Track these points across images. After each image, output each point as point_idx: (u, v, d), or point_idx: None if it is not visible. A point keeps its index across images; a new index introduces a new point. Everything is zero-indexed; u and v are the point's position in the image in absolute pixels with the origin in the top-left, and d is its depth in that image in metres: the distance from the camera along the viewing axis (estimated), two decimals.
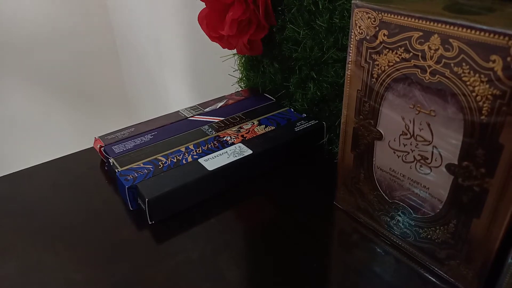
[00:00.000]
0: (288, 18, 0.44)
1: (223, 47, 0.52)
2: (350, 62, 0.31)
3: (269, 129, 0.45)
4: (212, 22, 0.49)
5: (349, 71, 0.31)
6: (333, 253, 0.34)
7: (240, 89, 0.59)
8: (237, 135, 0.44)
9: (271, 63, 0.50)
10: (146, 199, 0.35)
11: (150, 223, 0.36)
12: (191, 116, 0.49)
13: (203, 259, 0.33)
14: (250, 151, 0.41)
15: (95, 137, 0.45)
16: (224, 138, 0.44)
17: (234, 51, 0.54)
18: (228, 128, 0.45)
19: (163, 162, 0.40)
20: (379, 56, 0.28)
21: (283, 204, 0.39)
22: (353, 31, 0.29)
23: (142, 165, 0.40)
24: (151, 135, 0.45)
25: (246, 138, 0.43)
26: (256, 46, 0.49)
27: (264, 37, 0.48)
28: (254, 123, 0.46)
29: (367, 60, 0.29)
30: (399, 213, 0.31)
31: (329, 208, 0.38)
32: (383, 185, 0.32)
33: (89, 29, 1.20)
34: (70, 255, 0.33)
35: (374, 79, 0.29)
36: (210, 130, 0.45)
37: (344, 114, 0.33)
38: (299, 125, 0.45)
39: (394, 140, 0.29)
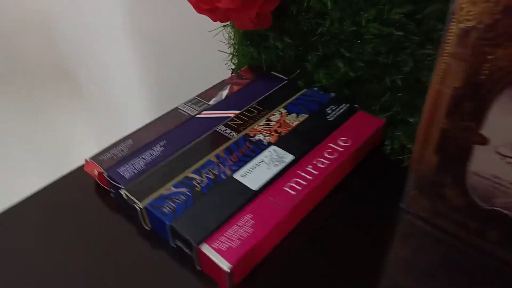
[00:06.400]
0: None
1: (215, 20, 0.43)
2: (446, 54, 0.25)
3: (302, 118, 0.38)
4: None
5: (443, 64, 0.25)
6: (408, 259, 0.30)
7: (233, 67, 0.50)
8: (270, 131, 0.37)
9: (280, 38, 0.42)
10: (193, 245, 0.28)
11: (199, 269, 0.30)
12: (198, 114, 0.40)
13: None
14: (291, 156, 0.35)
15: (86, 160, 0.36)
16: (257, 137, 0.37)
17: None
18: (248, 125, 0.38)
19: (198, 181, 0.32)
20: (497, 49, 0.23)
21: (340, 207, 0.34)
22: (456, 16, 0.23)
23: (174, 189, 0.32)
24: (160, 146, 0.36)
25: (282, 134, 0.37)
26: (264, 20, 0.40)
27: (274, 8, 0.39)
28: (282, 113, 0.39)
29: (476, 53, 0.23)
30: (496, 220, 0.28)
31: (394, 210, 0.34)
32: (478, 191, 0.28)
33: None
34: None
35: (485, 77, 0.24)
36: (228, 131, 0.38)
37: (427, 111, 0.28)
38: (330, 112, 0.39)
39: (506, 146, 0.25)
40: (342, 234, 0.32)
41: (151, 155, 0.36)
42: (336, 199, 0.35)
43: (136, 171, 0.34)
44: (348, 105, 0.40)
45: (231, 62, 0.50)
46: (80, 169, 0.37)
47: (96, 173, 0.34)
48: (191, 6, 0.41)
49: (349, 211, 0.34)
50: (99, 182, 0.35)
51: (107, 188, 0.35)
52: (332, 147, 0.35)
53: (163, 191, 0.32)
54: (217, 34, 0.47)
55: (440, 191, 0.30)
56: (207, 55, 0.52)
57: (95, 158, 0.36)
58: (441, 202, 0.31)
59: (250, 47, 0.46)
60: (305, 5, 0.37)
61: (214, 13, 0.42)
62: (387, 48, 0.34)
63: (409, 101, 0.36)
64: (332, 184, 0.35)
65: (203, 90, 0.47)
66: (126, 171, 0.34)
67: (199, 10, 0.42)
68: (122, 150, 0.36)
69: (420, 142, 0.29)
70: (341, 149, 0.35)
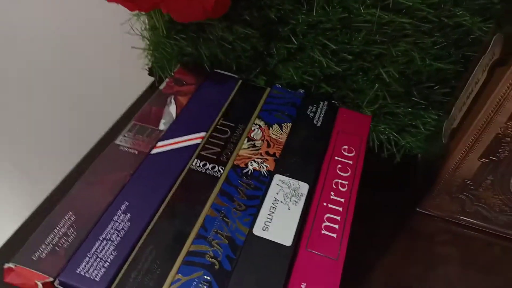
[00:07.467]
0: None
1: (133, 10, 0.31)
2: None
3: (287, 130, 0.31)
4: None
5: None
6: (461, 258, 0.28)
7: (148, 66, 0.38)
8: (261, 155, 0.29)
9: (231, 28, 0.33)
10: None
11: None
12: (152, 148, 0.29)
13: None
14: (304, 185, 0.28)
15: (8, 267, 0.21)
16: (250, 167, 0.28)
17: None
18: (229, 152, 0.29)
19: (212, 255, 0.23)
20: None
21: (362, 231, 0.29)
22: None
23: (184, 278, 0.21)
24: (123, 213, 0.24)
25: (277, 156, 0.29)
26: (221, 7, 0.30)
27: None
28: (261, 126, 0.31)
29: None
30: None
31: (415, 216, 0.31)
32: None
33: None
34: None
35: None
36: (208, 165, 0.28)
37: (484, 116, 0.24)
38: (313, 115, 0.33)
39: None
40: (373, 258, 0.28)
41: (117, 231, 0.23)
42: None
43: (107, 265, 0.22)
44: (326, 103, 0.34)
45: (149, 60, 0.37)
46: None
47: (40, 285, 0.21)
48: None
49: (367, 231, 0.29)
50: None
51: None
52: (340, 161, 0.30)
53: (175, 285, 0.21)
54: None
55: (474, 192, 0.28)
56: (109, 54, 0.38)
57: (24, 259, 0.21)
58: (472, 202, 0.29)
59: (182, 41, 0.35)
60: None
61: (137, 1, 0.29)
62: (386, 38, 0.29)
63: (400, 92, 0.33)
64: None
65: (117, 105, 0.35)
66: (91, 268, 0.21)
67: None
68: (67, 234, 0.23)
69: (463, 147, 0.26)
70: (351, 162, 0.30)
